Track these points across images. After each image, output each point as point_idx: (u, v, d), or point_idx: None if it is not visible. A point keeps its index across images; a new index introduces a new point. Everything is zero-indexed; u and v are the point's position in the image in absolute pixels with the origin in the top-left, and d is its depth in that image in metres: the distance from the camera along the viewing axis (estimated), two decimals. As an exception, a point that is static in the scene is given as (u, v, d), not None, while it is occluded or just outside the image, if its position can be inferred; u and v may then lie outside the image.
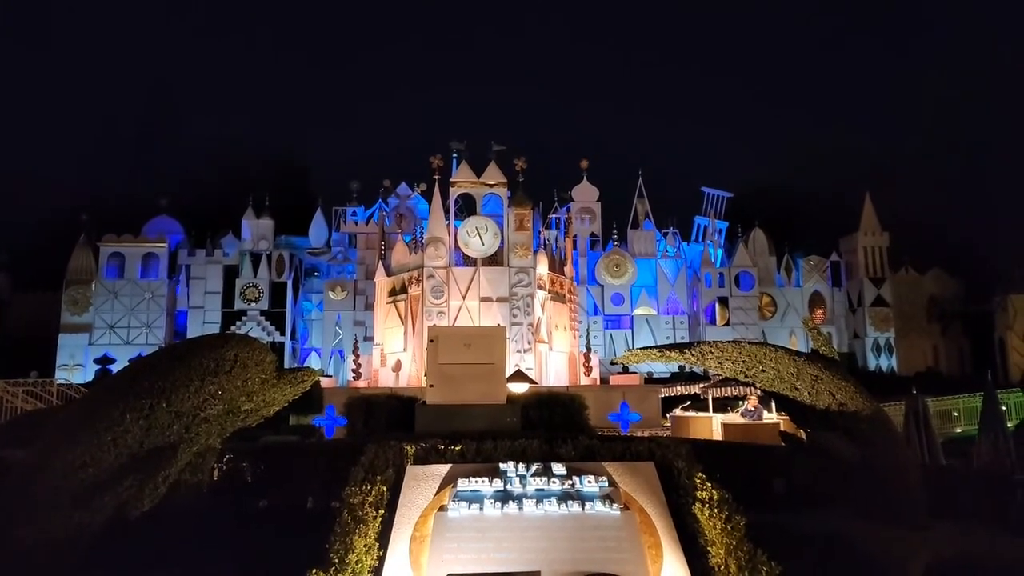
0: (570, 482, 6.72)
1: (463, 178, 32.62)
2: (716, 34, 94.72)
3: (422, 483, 6.70)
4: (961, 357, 47.30)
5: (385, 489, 6.54)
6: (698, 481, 6.73)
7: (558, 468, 6.96)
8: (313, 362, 43.38)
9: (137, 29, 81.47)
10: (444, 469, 6.93)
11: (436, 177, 32.45)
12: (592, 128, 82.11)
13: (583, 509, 6.39)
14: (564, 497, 6.49)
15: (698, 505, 6.45)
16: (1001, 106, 64.40)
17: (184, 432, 6.78)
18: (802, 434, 9.97)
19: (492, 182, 32.48)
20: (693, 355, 9.22)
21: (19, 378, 26.15)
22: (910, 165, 62.72)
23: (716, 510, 6.29)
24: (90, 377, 38.15)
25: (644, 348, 9.88)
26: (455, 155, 35.71)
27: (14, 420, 13.02)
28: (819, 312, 47.07)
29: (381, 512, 6.29)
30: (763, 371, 8.91)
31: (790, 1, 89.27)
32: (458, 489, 6.55)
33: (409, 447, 7.35)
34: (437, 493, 6.58)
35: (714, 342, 9.28)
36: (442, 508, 6.39)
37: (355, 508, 6.17)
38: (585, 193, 45.83)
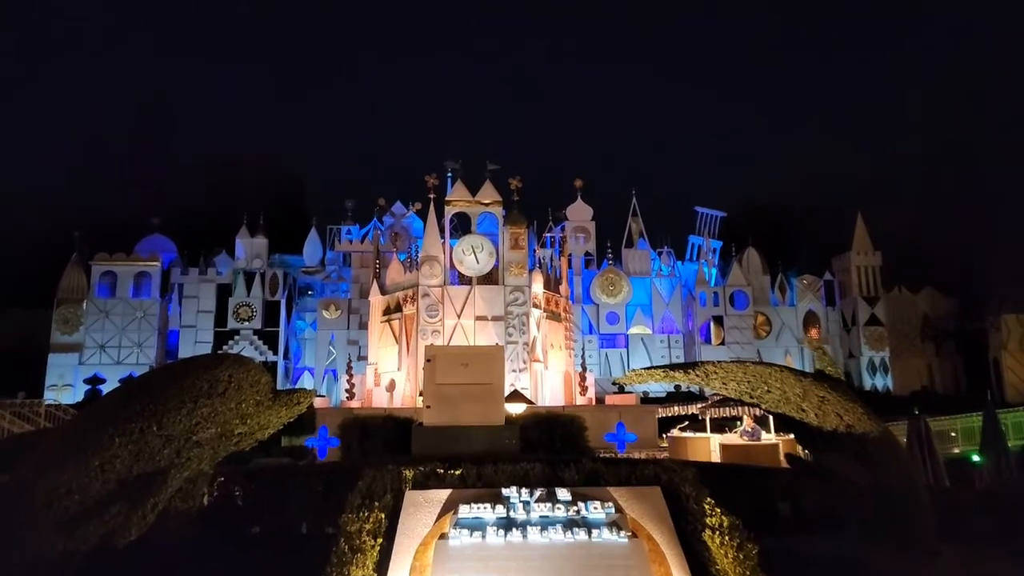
0: (575, 508, 6.51)
1: (458, 197, 32.58)
2: (710, 55, 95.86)
3: (421, 510, 6.47)
4: (956, 376, 47.29)
5: (383, 516, 6.31)
6: (707, 507, 6.53)
7: (562, 493, 6.75)
8: (306, 382, 42.93)
9: (131, 48, 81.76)
10: (444, 494, 6.70)
11: (431, 196, 32.42)
12: (586, 148, 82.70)
13: (589, 537, 6.17)
14: (569, 524, 6.27)
15: (708, 532, 6.24)
16: (994, 125, 65.20)
17: (175, 457, 6.51)
18: (804, 455, 9.79)
19: (487, 201, 32.44)
20: (697, 375, 9.04)
21: (6, 398, 25.69)
22: (901, 185, 63.28)
23: (727, 537, 6.08)
24: (79, 398, 37.59)
25: (648, 368, 9.69)
26: (450, 174, 35.76)
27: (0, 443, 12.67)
28: (813, 331, 47.05)
29: (379, 540, 6.05)
30: (768, 392, 8.73)
31: (784, 23, 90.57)
32: (459, 516, 6.32)
33: (407, 471, 7.12)
34: (437, 520, 6.35)
35: (718, 362, 9.11)
36: (443, 536, 6.15)
37: (352, 536, 5.93)
38: (580, 212, 45.89)
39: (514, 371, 29.75)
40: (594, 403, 30.77)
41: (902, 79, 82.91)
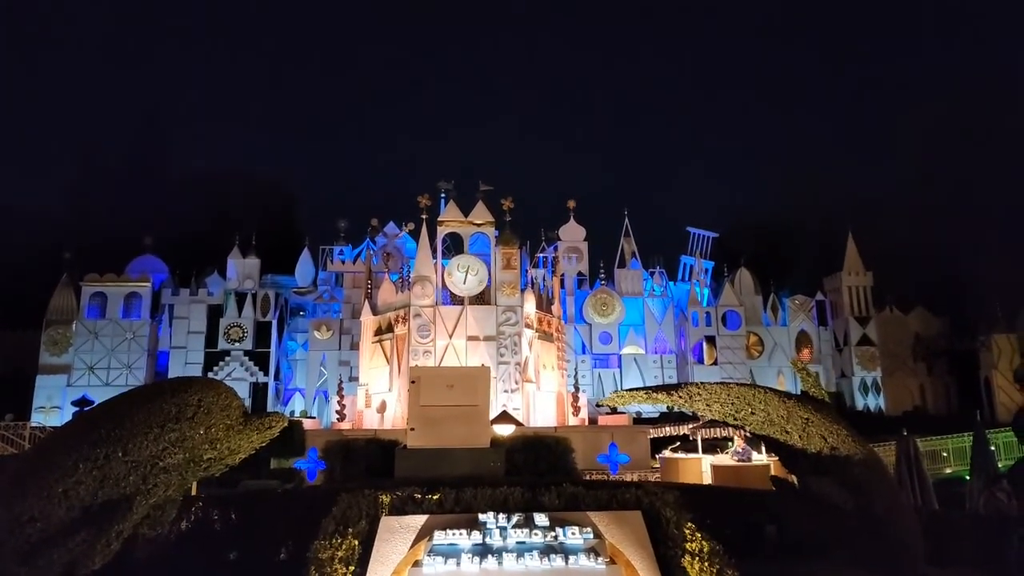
0: (553, 534, 6.39)
1: (451, 217, 32.61)
2: (702, 78, 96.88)
3: (396, 536, 6.34)
4: (948, 396, 47.25)
5: (357, 543, 6.17)
6: (687, 531, 6.42)
7: (540, 519, 6.63)
8: (297, 403, 42.58)
9: (123, 68, 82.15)
10: (420, 520, 6.57)
11: (424, 216, 32.44)
12: (579, 168, 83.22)
13: (566, 563, 6.05)
14: (546, 550, 6.15)
15: (688, 557, 6.13)
16: (983, 144, 65.87)
17: (141, 483, 6.36)
18: (793, 479, 9.68)
19: (479, 221, 32.48)
20: (680, 397, 8.96)
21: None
22: (891, 204, 63.71)
23: (707, 563, 5.98)
24: (67, 419, 37.12)
25: (631, 390, 9.61)
26: (443, 195, 35.83)
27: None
28: (806, 351, 47.02)
29: (352, 568, 5.92)
30: (752, 414, 8.65)
31: (776, 48, 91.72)
32: (434, 543, 6.19)
33: (385, 496, 6.99)
34: (412, 547, 6.22)
35: (702, 383, 9.04)
36: (416, 564, 6.03)
37: (323, 564, 5.80)
38: (572, 232, 45.98)
39: (506, 391, 29.58)
40: (587, 424, 30.57)
41: (895, 101, 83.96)
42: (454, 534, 6.29)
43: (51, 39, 77.97)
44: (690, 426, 22.79)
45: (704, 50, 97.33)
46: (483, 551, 6.16)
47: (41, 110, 75.61)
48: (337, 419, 30.31)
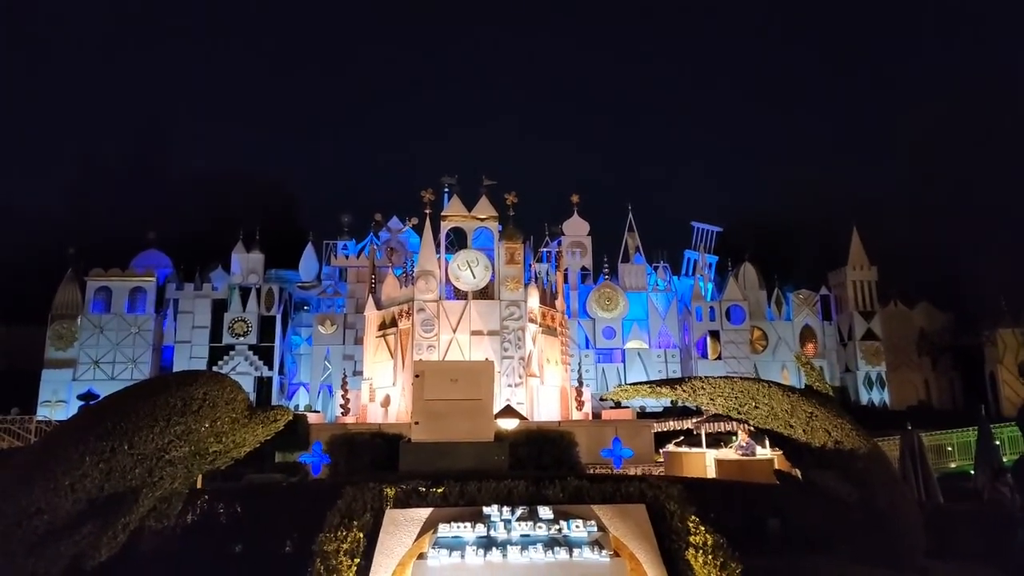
0: (557, 527, 6.40)
1: (454, 212, 32.64)
2: (706, 71, 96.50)
3: (401, 529, 6.36)
4: (952, 390, 47.13)
5: (362, 536, 6.20)
6: (691, 525, 6.42)
7: (544, 512, 6.64)
8: (301, 397, 42.70)
9: (123, 68, 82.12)
10: (425, 513, 6.59)
11: (427, 211, 32.49)
12: (580, 168, 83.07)
13: (570, 556, 6.05)
14: (551, 543, 6.16)
15: (691, 551, 6.14)
16: (983, 144, 65.49)
17: (147, 476, 6.40)
18: (796, 473, 9.68)
19: (483, 216, 32.50)
20: (684, 391, 8.97)
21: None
22: (892, 204, 63.46)
23: (711, 556, 5.99)
24: (73, 413, 37.31)
25: (634, 384, 9.61)
26: (446, 189, 35.84)
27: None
28: (810, 346, 46.93)
29: (357, 560, 5.95)
30: (756, 408, 8.65)
31: (776, 48, 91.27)
32: (439, 535, 6.21)
33: (389, 489, 7.02)
34: (416, 539, 6.24)
35: (705, 377, 9.04)
36: (421, 556, 6.05)
37: (328, 556, 5.83)
38: (576, 227, 45.89)
39: (510, 386, 29.66)
40: (590, 418, 30.64)
41: (895, 101, 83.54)
42: (458, 527, 6.31)
43: (51, 39, 77.95)
44: (694, 420, 22.75)
45: (704, 50, 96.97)
46: (487, 544, 6.18)
47: (41, 110, 75.66)
48: (341, 413, 30.45)
